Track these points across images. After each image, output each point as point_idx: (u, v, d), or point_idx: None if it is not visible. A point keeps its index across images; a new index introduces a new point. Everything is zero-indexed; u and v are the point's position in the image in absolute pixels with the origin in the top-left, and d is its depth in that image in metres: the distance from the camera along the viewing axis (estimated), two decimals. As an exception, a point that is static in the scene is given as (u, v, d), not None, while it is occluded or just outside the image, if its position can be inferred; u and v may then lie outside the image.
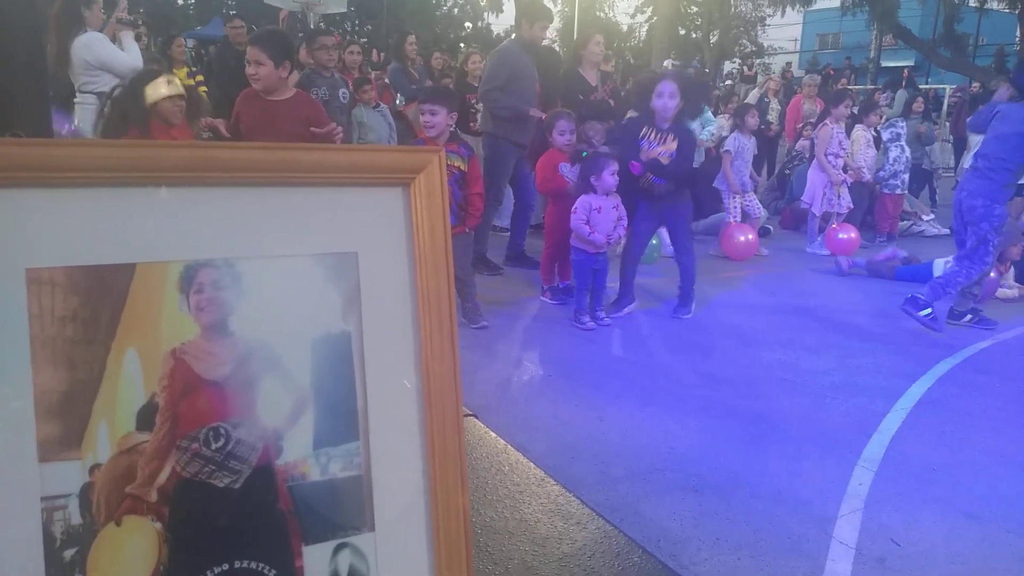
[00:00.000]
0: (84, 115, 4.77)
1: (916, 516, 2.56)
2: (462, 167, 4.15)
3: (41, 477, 0.57)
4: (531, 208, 6.13)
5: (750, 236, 6.84)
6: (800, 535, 2.41)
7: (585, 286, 4.64)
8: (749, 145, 7.07)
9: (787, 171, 9.18)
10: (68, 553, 0.58)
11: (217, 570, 0.62)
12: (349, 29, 29.61)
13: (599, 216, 4.51)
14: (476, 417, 1.27)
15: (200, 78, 7.27)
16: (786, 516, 2.52)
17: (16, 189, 0.59)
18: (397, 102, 7.49)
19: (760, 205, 7.26)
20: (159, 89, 3.27)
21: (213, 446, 0.62)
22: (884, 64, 29.47)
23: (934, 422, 3.37)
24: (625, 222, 4.66)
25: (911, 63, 25.96)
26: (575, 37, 7.63)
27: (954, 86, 19.30)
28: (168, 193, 0.63)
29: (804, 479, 2.79)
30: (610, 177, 4.48)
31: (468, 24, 34.66)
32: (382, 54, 10.39)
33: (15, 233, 0.58)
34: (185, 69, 7.12)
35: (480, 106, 6.33)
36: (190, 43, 10.71)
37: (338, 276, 0.68)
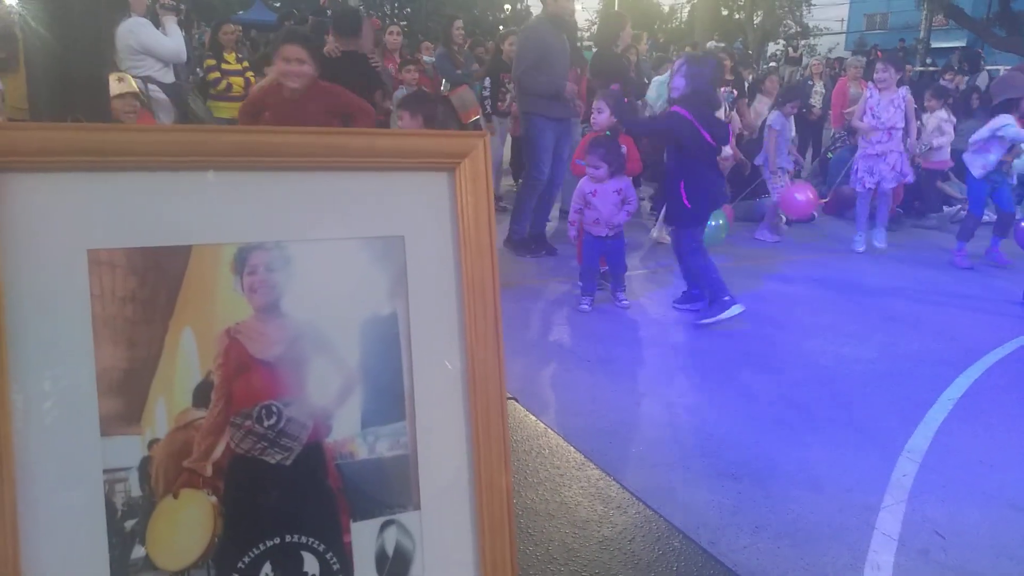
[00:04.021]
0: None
1: (961, 508, 2.51)
2: None
3: (103, 450, 0.60)
4: (557, 187, 6.07)
5: (810, 195, 6.69)
6: (841, 525, 2.39)
7: (591, 267, 4.61)
8: (789, 124, 6.98)
9: (829, 154, 9.03)
10: (129, 523, 0.60)
11: (269, 543, 0.64)
12: (388, 12, 29.66)
13: (596, 200, 4.47)
14: (516, 400, 1.28)
15: (247, 64, 7.33)
16: (827, 505, 2.49)
17: (78, 173, 0.61)
18: (443, 87, 7.49)
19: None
20: (111, 87, 3.26)
21: (265, 423, 0.64)
22: (934, 45, 28.55)
23: (981, 413, 3.30)
24: (632, 205, 4.51)
25: (963, 43, 25.10)
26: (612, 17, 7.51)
27: (1008, 67, 18.58)
28: (221, 177, 0.65)
29: (846, 469, 2.75)
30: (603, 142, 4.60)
31: (508, 6, 34.45)
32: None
33: (77, 215, 0.61)
34: (234, 54, 7.20)
35: (511, 85, 6.32)
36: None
37: (385, 259, 0.69)
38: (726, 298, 4.32)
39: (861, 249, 6.55)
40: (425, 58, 8.13)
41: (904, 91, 6.47)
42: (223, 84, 6.95)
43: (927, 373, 3.74)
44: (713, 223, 5.83)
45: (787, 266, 5.94)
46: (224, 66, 7.00)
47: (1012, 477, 2.74)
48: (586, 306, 4.56)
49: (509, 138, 7.71)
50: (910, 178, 6.75)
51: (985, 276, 5.79)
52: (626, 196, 4.48)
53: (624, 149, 4.71)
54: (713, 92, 4.56)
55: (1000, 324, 4.57)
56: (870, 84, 6.59)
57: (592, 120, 5.15)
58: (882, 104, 6.33)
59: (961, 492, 2.63)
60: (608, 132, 4.86)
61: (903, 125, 6.39)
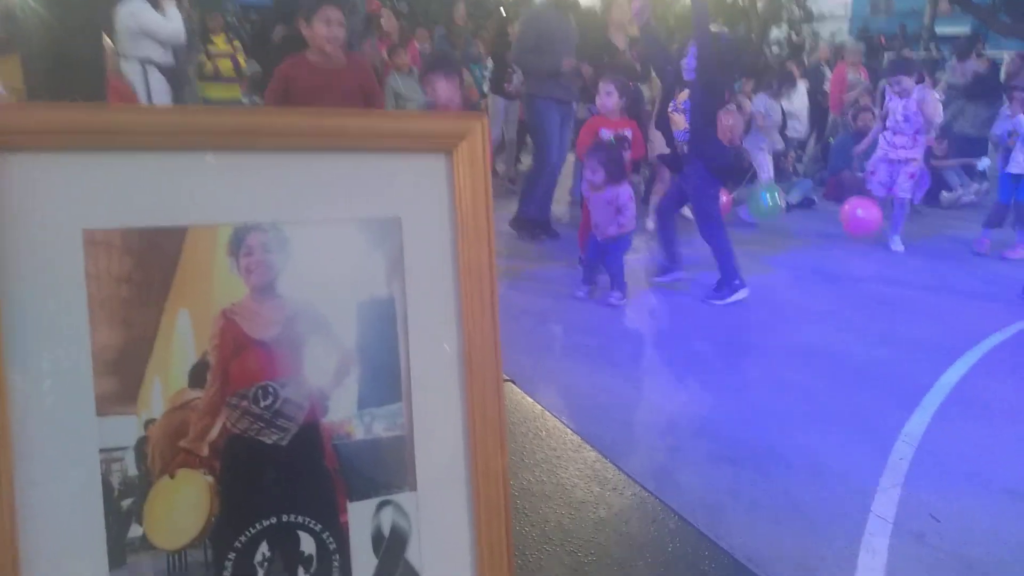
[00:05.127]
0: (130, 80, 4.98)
1: (957, 492, 2.52)
2: None
3: (99, 430, 0.60)
4: (557, 170, 5.93)
5: (873, 211, 6.11)
6: (837, 508, 2.40)
7: (591, 261, 4.58)
8: (775, 109, 7.01)
9: (830, 139, 9.00)
10: (125, 503, 0.60)
11: (266, 523, 0.64)
12: (389, -6, 29.33)
13: (590, 205, 4.43)
14: (514, 383, 1.28)
15: (238, 44, 7.31)
16: (823, 489, 2.50)
17: (74, 153, 0.60)
18: None
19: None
20: None
21: (262, 404, 0.64)
22: (939, 31, 28.32)
23: (978, 398, 3.31)
24: (625, 217, 4.32)
25: (967, 29, 24.86)
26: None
27: (1013, 53, 18.42)
28: (218, 158, 0.64)
29: (842, 453, 2.76)
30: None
31: (509, -11, 34.10)
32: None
33: (73, 195, 0.60)
34: (223, 35, 7.18)
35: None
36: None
37: (382, 241, 0.69)
38: (736, 281, 4.36)
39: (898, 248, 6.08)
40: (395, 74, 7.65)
41: (918, 92, 5.99)
42: (209, 66, 6.96)
43: (925, 358, 3.74)
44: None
45: (784, 251, 5.93)
46: (210, 47, 7.00)
47: (1008, 462, 2.75)
48: (582, 293, 4.55)
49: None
50: (926, 184, 6.48)
51: (983, 262, 5.78)
52: (620, 207, 4.29)
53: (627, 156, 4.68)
54: (724, 72, 4.42)
55: (998, 310, 4.57)
56: (887, 89, 6.22)
57: (599, 104, 5.07)
58: (907, 107, 5.92)
59: (957, 476, 2.64)
60: (613, 140, 4.75)
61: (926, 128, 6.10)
